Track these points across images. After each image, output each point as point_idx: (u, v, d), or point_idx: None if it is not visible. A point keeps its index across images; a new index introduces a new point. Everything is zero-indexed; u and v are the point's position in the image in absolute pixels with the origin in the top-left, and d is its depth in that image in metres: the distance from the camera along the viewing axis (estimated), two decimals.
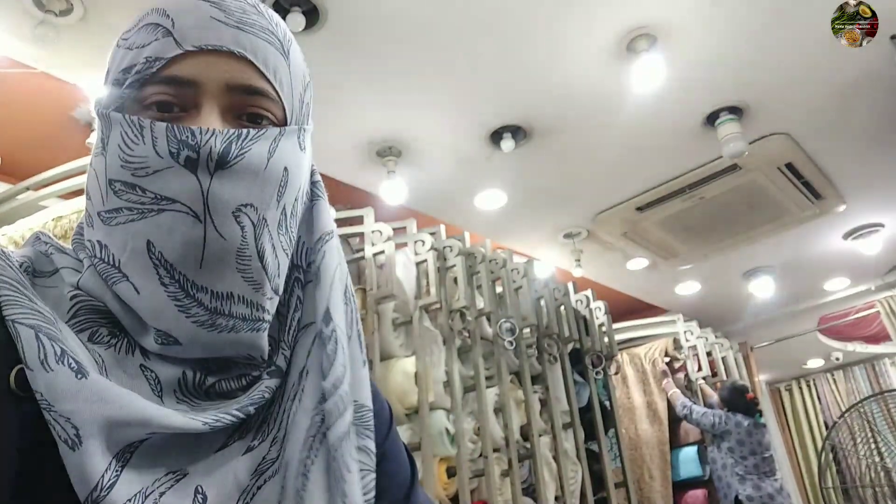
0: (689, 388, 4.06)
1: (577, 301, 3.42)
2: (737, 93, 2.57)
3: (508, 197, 3.10)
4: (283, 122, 0.55)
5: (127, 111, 0.51)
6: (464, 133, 2.65)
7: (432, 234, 2.67)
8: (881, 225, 3.87)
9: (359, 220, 2.57)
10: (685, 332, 4.37)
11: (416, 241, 2.62)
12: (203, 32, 0.51)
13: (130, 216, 0.49)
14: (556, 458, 2.84)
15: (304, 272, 0.57)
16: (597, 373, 3.28)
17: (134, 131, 0.49)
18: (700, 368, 4.25)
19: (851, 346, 5.63)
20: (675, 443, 4.10)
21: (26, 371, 0.43)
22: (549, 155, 2.82)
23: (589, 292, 3.49)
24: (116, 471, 0.42)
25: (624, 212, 3.33)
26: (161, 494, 0.44)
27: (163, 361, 0.50)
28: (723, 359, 4.54)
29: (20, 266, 0.50)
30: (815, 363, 6.30)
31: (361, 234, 2.55)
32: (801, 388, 6.52)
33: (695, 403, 3.85)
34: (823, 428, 6.16)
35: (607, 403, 3.39)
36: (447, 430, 2.37)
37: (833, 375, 6.42)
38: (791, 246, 4.00)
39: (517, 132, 2.64)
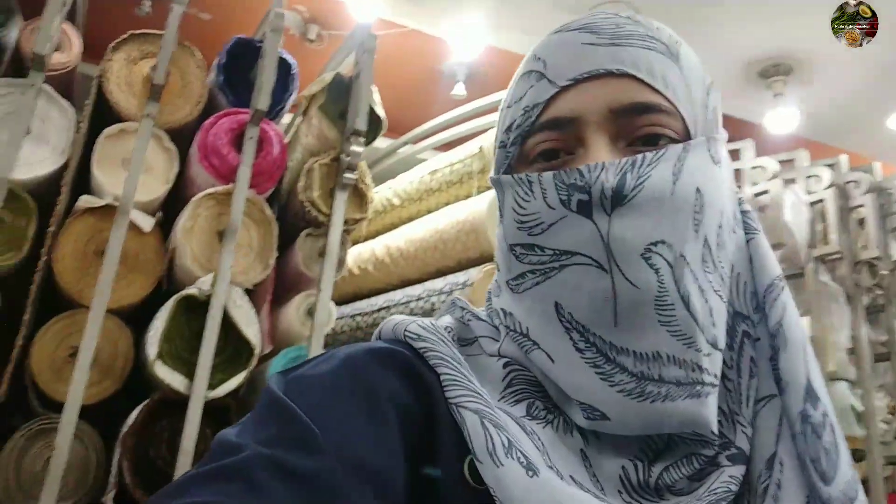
0: None
1: None
2: None
3: None
4: (685, 137, 0.47)
5: (515, 171, 0.50)
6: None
7: (830, 166, 2.31)
8: None
9: (734, 155, 2.29)
10: None
11: (808, 177, 2.31)
12: (576, 62, 0.47)
13: (535, 279, 0.46)
14: None
15: (753, 325, 0.48)
16: None
17: (524, 189, 0.47)
18: None
19: None
20: None
21: (476, 463, 0.41)
22: None
23: None
24: None
25: None
26: None
27: (601, 447, 0.45)
28: None
29: (449, 335, 0.50)
30: None
31: (738, 172, 2.30)
32: None
33: None
34: None
35: None
36: (853, 408, 2.15)
37: None
38: None
39: None
